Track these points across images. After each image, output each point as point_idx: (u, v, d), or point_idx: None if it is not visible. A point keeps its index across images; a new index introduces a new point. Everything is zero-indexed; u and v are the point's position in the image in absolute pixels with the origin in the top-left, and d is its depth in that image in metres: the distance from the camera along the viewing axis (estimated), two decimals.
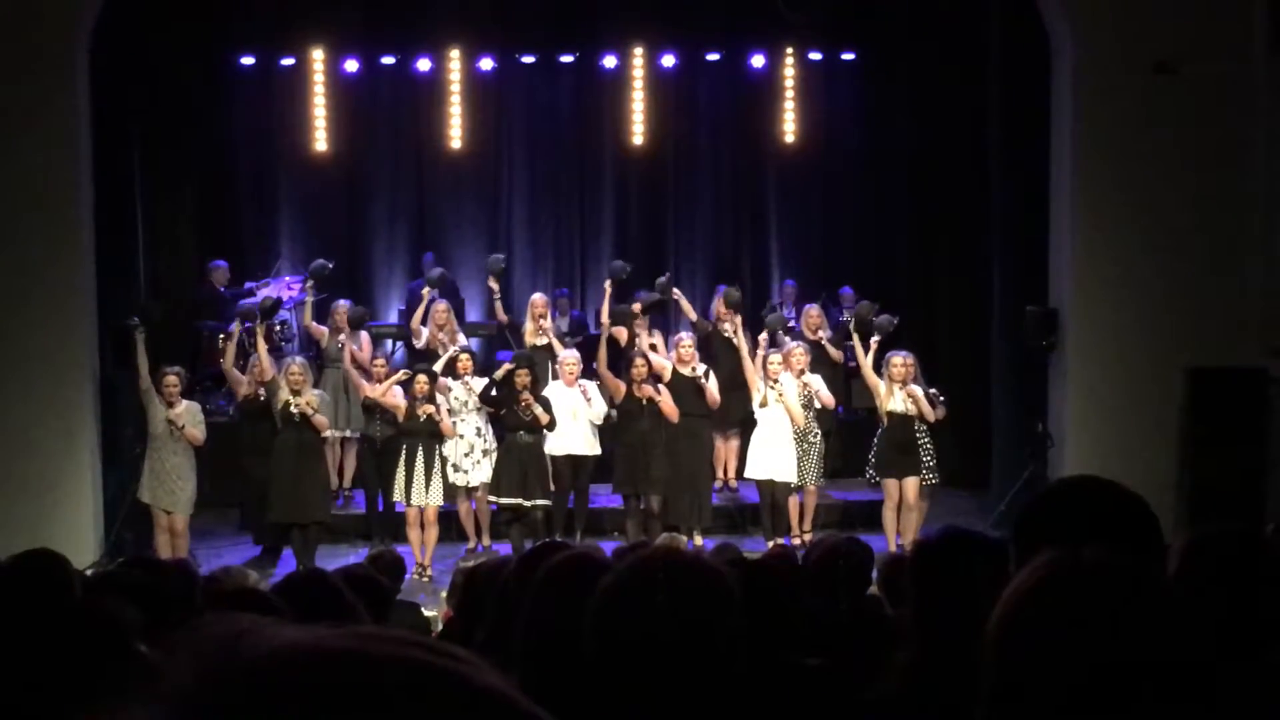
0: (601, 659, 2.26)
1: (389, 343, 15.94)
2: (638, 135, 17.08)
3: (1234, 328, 13.01)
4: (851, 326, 13.82)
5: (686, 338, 13.32)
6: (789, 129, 17.08)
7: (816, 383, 13.14)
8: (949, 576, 3.13)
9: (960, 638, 2.56)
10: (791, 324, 15.17)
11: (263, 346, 12.89)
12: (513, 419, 12.66)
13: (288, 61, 16.63)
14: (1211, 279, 13.03)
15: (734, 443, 14.21)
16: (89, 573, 9.68)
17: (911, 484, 12.66)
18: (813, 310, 14.54)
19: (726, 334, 13.77)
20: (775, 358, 12.96)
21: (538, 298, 14.45)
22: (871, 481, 12.97)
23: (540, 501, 12.75)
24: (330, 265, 14.56)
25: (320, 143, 16.69)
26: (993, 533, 7.38)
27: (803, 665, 3.78)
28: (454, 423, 12.81)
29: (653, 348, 13.54)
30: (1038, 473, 13.21)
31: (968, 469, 14.30)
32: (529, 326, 14.22)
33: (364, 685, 0.75)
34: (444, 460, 12.70)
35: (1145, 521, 2.65)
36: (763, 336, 13.33)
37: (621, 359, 13.37)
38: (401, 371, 12.92)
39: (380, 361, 13.47)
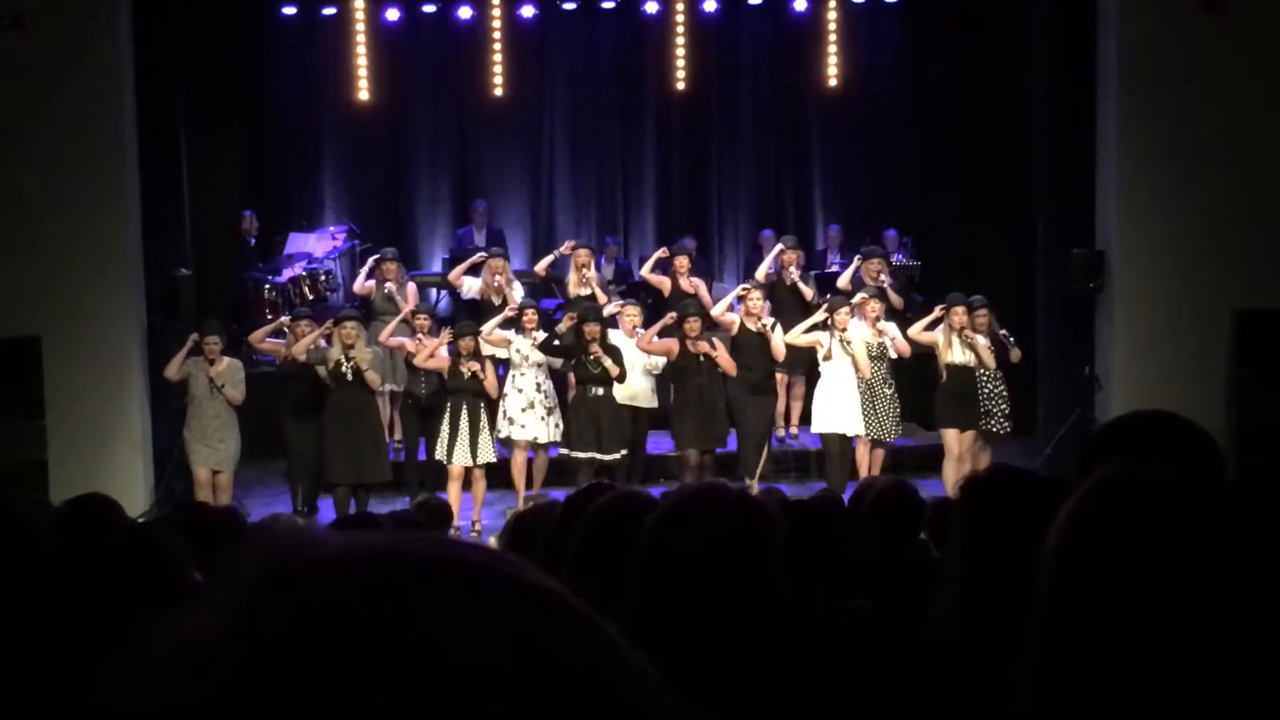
0: (647, 593, 2.27)
1: (433, 292, 15.96)
2: (680, 81, 17.00)
3: None
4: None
5: (756, 293, 12.95)
6: (832, 73, 16.93)
7: (893, 330, 12.72)
8: (997, 515, 3.11)
9: (1006, 576, 2.55)
10: (834, 268, 15.08)
11: (304, 342, 12.48)
12: (582, 371, 12.40)
13: (329, 11, 16.60)
14: (1259, 219, 12.91)
15: (798, 389, 14.08)
16: (140, 521, 9.81)
17: (969, 436, 12.51)
18: (874, 260, 13.79)
19: (792, 280, 13.70)
20: (843, 308, 12.57)
21: (581, 250, 14.16)
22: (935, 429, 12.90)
23: (615, 455, 12.49)
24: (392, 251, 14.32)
25: (362, 92, 16.67)
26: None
27: (850, 608, 3.78)
28: (513, 375, 12.68)
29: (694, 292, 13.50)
30: (1085, 416, 13.16)
31: (1015, 413, 14.24)
32: (572, 278, 13.95)
33: (420, 582, 0.77)
34: (490, 417, 12.48)
35: (1212, 456, 2.69)
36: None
37: (664, 310, 13.23)
38: (445, 332, 12.61)
39: (423, 318, 13.03)
